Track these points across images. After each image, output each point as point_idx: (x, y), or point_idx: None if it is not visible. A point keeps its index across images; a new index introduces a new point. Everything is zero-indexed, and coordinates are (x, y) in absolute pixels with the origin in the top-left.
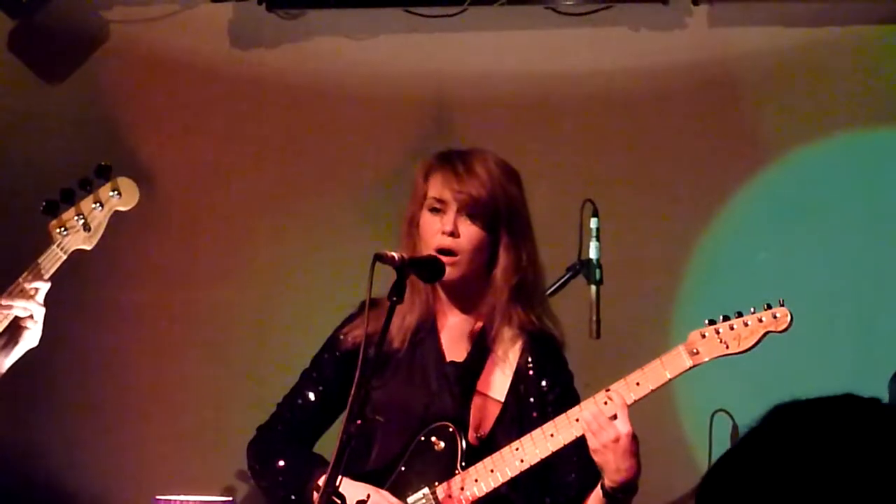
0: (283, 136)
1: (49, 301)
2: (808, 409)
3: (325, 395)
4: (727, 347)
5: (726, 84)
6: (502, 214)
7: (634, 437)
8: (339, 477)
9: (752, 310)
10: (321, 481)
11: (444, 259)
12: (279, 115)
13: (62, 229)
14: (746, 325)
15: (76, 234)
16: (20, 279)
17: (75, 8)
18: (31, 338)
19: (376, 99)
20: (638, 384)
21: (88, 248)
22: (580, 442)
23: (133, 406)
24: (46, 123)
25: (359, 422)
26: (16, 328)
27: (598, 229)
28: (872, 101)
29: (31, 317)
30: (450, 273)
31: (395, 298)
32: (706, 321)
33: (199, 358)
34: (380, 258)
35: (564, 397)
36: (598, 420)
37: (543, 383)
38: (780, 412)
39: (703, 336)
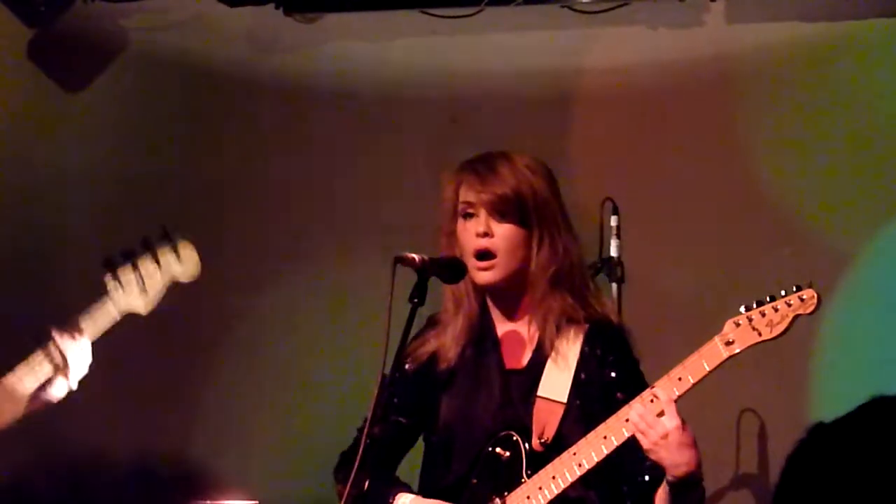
0: (304, 139)
1: None
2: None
3: (402, 417)
4: (760, 335)
5: (746, 79)
6: (530, 208)
7: (685, 428)
8: (365, 480)
9: (782, 293)
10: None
11: (483, 263)
12: (299, 118)
13: (118, 285)
14: (776, 310)
15: (132, 294)
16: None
17: (93, 16)
18: (59, 387)
19: (395, 101)
20: (680, 379)
21: (143, 312)
22: None
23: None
24: (67, 131)
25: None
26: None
27: (618, 227)
28: (892, 92)
29: (65, 367)
30: (489, 276)
31: (416, 300)
32: (742, 308)
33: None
34: (400, 260)
35: (630, 383)
36: (645, 419)
37: (605, 373)
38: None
39: (738, 325)
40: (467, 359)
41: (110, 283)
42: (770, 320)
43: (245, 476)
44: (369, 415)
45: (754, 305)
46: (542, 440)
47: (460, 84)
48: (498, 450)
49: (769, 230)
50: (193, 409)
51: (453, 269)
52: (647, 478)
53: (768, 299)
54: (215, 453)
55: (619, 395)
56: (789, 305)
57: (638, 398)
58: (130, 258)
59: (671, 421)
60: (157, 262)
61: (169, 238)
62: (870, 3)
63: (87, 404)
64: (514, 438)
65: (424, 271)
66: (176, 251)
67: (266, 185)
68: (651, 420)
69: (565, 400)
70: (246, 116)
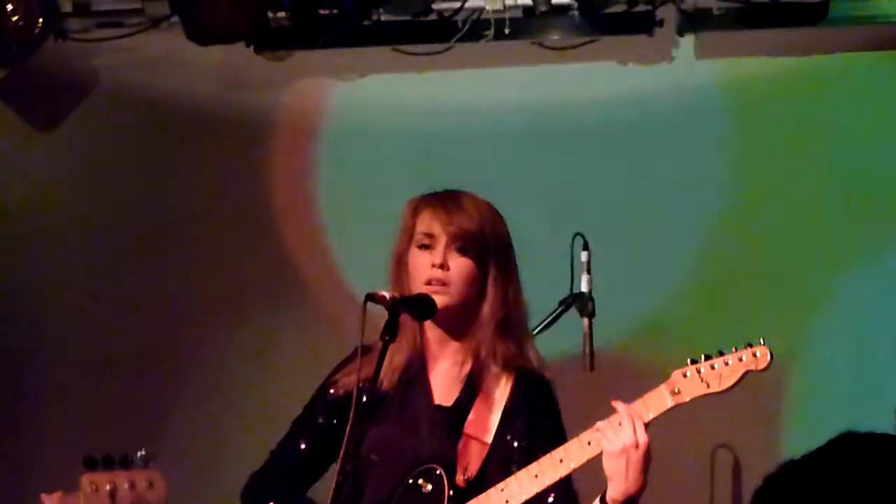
0: (275, 175)
1: None
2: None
3: (318, 443)
4: (708, 387)
5: (715, 113)
6: (490, 248)
7: (648, 454)
8: None
9: (733, 349)
10: None
11: (434, 289)
12: (269, 154)
13: (93, 487)
14: (727, 364)
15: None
16: None
17: (65, 55)
18: None
19: (367, 137)
20: (620, 424)
21: None
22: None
23: None
24: (39, 170)
25: (348, 466)
26: None
27: (588, 262)
28: (860, 127)
29: None
30: (440, 301)
31: (387, 338)
32: (689, 360)
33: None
34: (371, 298)
35: (552, 437)
36: (621, 421)
37: (531, 424)
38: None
39: (685, 375)
40: (396, 390)
41: (85, 484)
42: (719, 373)
43: None
44: (342, 452)
45: (702, 359)
46: (466, 477)
47: (432, 119)
48: (420, 481)
49: (743, 264)
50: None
51: (423, 307)
52: (551, 499)
53: (718, 354)
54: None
55: (536, 447)
56: (741, 360)
57: (575, 440)
58: (109, 467)
59: (643, 436)
60: (133, 483)
61: (146, 462)
62: (838, 38)
63: None
64: (438, 472)
65: (395, 308)
66: (150, 477)
67: (238, 219)
68: (628, 424)
69: (490, 440)
70: (217, 153)
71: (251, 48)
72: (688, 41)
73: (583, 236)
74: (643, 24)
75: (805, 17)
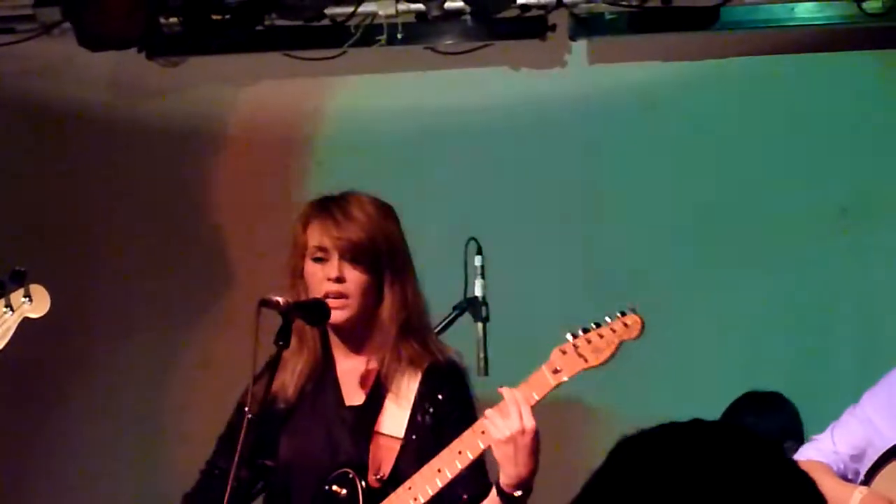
0: (169, 183)
1: None
2: (653, 440)
3: (242, 457)
4: (586, 361)
5: (607, 118)
6: (383, 255)
7: (537, 437)
8: None
9: (605, 319)
10: None
11: (334, 303)
12: (164, 163)
13: None
14: (601, 336)
15: None
16: None
17: None
18: None
19: (260, 143)
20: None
21: None
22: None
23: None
24: None
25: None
26: None
27: (482, 267)
28: (750, 132)
29: None
30: (340, 315)
31: (281, 343)
32: (568, 335)
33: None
34: (265, 303)
35: (462, 422)
36: (507, 408)
37: (439, 417)
38: (623, 445)
39: (564, 353)
40: (306, 396)
41: None
42: (596, 346)
43: None
44: (236, 457)
45: (580, 332)
46: (378, 476)
47: (325, 124)
48: (335, 488)
49: (635, 260)
50: (43, 459)
51: (317, 312)
52: (465, 497)
53: (594, 326)
54: None
55: (447, 437)
56: (614, 331)
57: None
58: None
59: (529, 421)
60: (10, 304)
61: (20, 279)
62: (730, 43)
63: None
64: (350, 476)
65: (289, 314)
66: (26, 291)
67: (131, 229)
68: (513, 410)
69: (402, 436)
70: (109, 160)
71: (143, 54)
72: (580, 46)
73: (476, 241)
74: (535, 29)
75: (697, 21)
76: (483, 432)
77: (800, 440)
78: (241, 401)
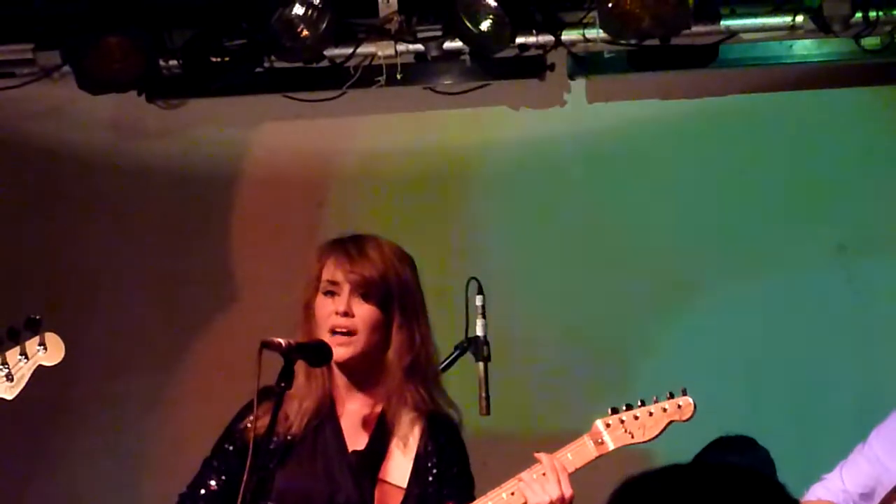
0: (170, 225)
1: None
2: (657, 482)
3: (228, 485)
4: (632, 437)
5: (606, 156)
6: (395, 294)
7: None
8: None
9: (654, 399)
10: None
11: (339, 339)
12: (165, 205)
13: None
14: (650, 414)
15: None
16: None
17: None
18: None
19: (263, 184)
20: (544, 475)
21: (9, 397)
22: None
23: None
24: None
25: None
26: None
27: (483, 306)
28: (749, 169)
29: None
30: (345, 352)
31: (283, 385)
32: (609, 409)
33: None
34: (266, 345)
35: (462, 483)
36: (548, 474)
37: (442, 469)
38: (627, 488)
39: (608, 425)
40: (308, 434)
41: None
42: (643, 423)
43: None
44: (242, 487)
45: (623, 408)
46: None
47: (325, 167)
48: None
49: (636, 305)
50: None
51: (319, 353)
52: None
53: (640, 403)
54: None
55: (448, 489)
56: (664, 411)
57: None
58: None
59: (567, 489)
60: (25, 352)
61: (35, 327)
62: (729, 80)
63: None
64: None
65: (290, 355)
66: (41, 339)
67: (134, 269)
68: (553, 477)
69: (405, 485)
70: (111, 202)
71: (143, 97)
72: (579, 85)
73: (477, 280)
74: (534, 69)
75: (696, 59)
76: (513, 493)
77: None
78: (233, 429)
